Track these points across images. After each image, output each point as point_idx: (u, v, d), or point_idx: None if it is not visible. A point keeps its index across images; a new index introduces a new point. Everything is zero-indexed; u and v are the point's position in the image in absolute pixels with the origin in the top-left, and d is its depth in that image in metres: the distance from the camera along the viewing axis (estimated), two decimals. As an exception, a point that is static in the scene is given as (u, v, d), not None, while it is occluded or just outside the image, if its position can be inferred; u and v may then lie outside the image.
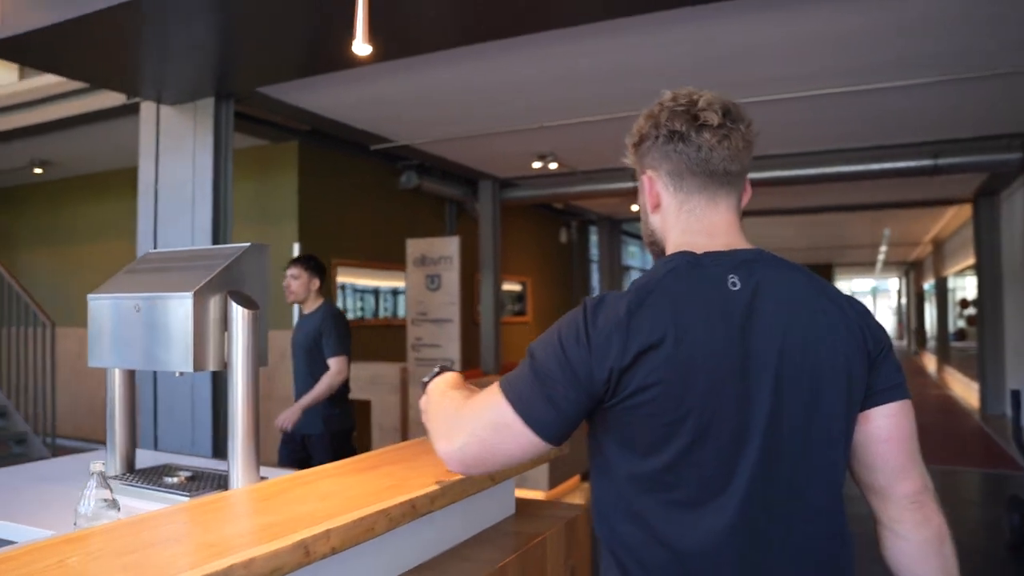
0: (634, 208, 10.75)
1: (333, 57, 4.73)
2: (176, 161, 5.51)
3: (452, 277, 6.41)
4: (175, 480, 2.17)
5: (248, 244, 2.20)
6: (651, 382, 1.11)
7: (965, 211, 12.38)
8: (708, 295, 1.15)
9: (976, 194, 10.56)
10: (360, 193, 7.66)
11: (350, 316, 7.60)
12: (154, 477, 2.23)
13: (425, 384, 1.47)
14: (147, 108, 5.70)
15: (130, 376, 2.41)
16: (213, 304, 2.06)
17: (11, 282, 6.40)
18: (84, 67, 5.17)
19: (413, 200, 8.36)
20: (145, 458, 2.57)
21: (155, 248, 5.54)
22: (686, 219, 1.26)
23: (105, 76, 5.40)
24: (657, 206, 1.29)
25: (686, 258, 1.19)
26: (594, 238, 12.88)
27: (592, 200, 10.79)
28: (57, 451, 6.23)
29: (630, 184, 8.31)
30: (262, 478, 2.06)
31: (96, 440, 8.08)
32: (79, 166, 8.31)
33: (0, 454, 6.12)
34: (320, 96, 5.81)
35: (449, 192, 8.65)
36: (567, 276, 12.27)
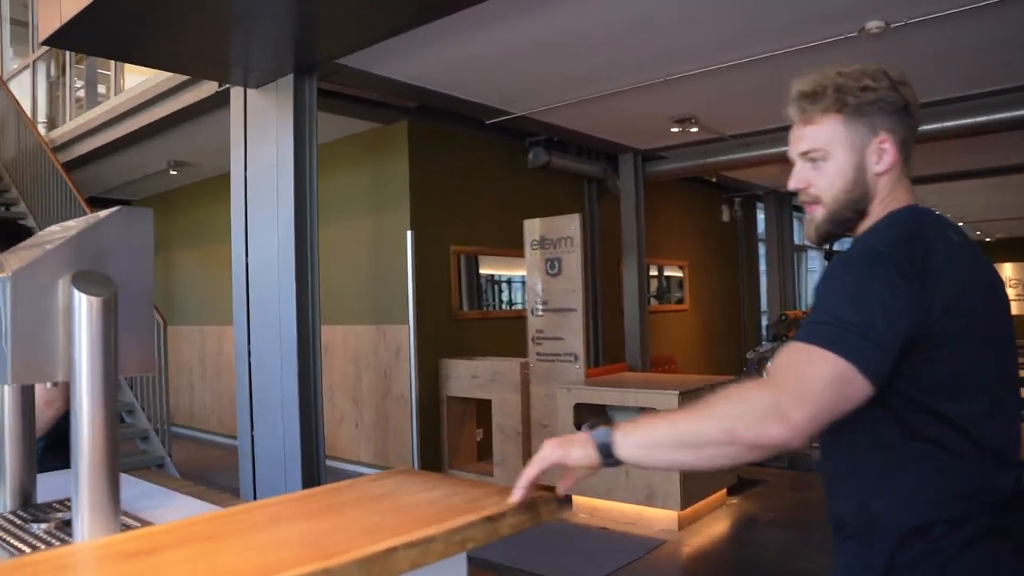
0: (803, 177, 9.49)
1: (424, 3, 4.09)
2: (260, 148, 5.08)
3: (574, 260, 5.62)
4: (40, 527, 1.60)
5: (114, 209, 1.57)
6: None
7: None
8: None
9: None
10: (483, 174, 7.03)
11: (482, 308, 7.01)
12: (26, 518, 1.67)
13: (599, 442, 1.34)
14: (235, 94, 5.32)
15: (23, 391, 1.85)
16: (60, 292, 1.45)
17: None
18: (171, 56, 4.88)
19: (546, 180, 7.64)
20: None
21: (247, 245, 5.18)
22: (906, 185, 1.42)
23: (192, 63, 5.09)
24: (887, 169, 1.38)
25: (928, 212, 1.39)
26: (761, 215, 11.62)
27: (749, 171, 9.57)
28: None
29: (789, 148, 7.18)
30: (123, 527, 1.46)
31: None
32: (211, 165, 8.23)
33: (126, 451, 5.99)
34: (417, 63, 5.19)
35: (586, 169, 7.86)
36: (731, 258, 11.11)
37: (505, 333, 6.93)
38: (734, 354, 10.33)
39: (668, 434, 1.27)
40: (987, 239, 22.12)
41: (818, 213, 1.42)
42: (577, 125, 7.00)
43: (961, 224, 16.22)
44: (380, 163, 6.60)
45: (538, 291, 5.82)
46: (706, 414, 1.22)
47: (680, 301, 9.75)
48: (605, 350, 8.17)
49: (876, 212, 1.39)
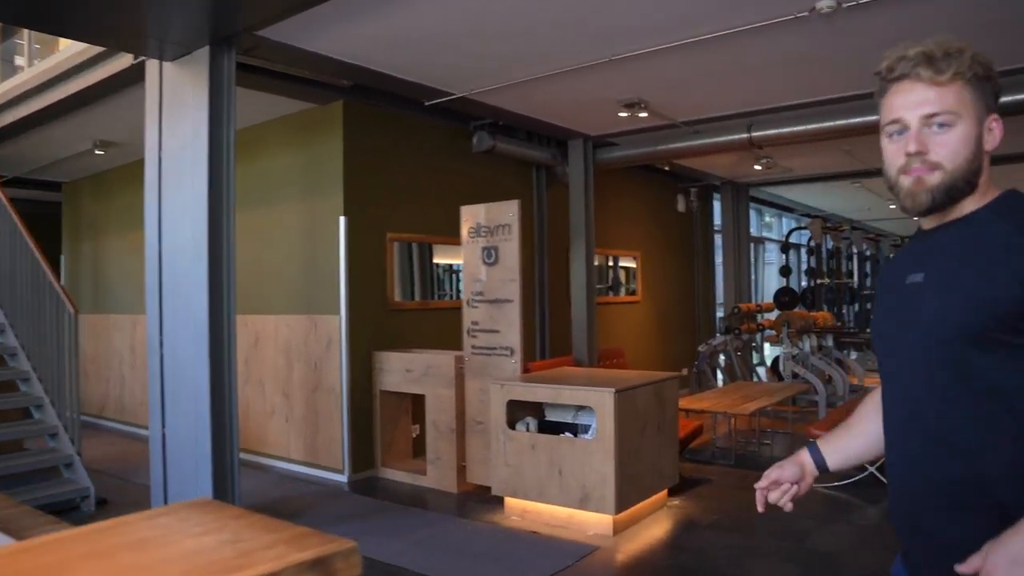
0: (758, 167, 9.32)
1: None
2: (176, 125, 4.74)
3: (511, 249, 5.34)
4: None
5: None
6: None
7: None
8: None
9: None
10: (424, 158, 6.71)
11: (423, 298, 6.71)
12: None
13: None
14: (151, 68, 4.97)
15: None
16: None
17: (44, 267, 5.87)
18: (83, 24, 4.51)
19: (492, 166, 7.35)
20: None
21: (160, 230, 4.84)
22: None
23: (105, 33, 4.72)
24: (993, 148, 1.39)
25: None
26: (718, 205, 11.44)
27: (704, 160, 9.39)
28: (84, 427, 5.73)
29: (744, 135, 6.98)
30: None
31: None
32: (141, 146, 7.79)
33: (37, 449, 5.60)
34: (348, 39, 4.86)
35: (533, 155, 7.57)
36: (686, 249, 10.91)
37: (446, 324, 6.64)
38: (688, 347, 10.15)
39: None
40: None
41: (934, 178, 1.37)
42: (523, 108, 6.72)
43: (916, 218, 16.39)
44: (313, 145, 6.26)
45: (474, 281, 5.53)
46: None
47: (633, 293, 9.52)
48: (553, 343, 7.93)
49: (983, 189, 1.40)
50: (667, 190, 10.36)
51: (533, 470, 4.70)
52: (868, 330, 13.18)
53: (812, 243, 11.26)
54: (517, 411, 4.96)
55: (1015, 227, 1.31)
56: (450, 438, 5.51)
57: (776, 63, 5.60)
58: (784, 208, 14.57)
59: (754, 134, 6.91)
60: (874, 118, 5.14)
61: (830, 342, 10.11)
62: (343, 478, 5.88)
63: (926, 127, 1.36)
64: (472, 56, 5.30)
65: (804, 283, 11.50)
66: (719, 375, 9.67)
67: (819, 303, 11.05)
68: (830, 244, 11.98)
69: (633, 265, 9.54)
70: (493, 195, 6.19)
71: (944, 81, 1.34)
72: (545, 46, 5.11)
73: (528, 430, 4.87)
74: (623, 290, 9.51)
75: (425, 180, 6.68)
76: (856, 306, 13.18)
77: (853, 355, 12.46)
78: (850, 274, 13.22)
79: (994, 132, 1.39)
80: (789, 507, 1.70)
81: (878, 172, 7.21)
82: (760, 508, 1.73)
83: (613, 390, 4.35)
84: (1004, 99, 5.42)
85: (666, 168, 9.42)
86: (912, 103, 1.38)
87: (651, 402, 4.77)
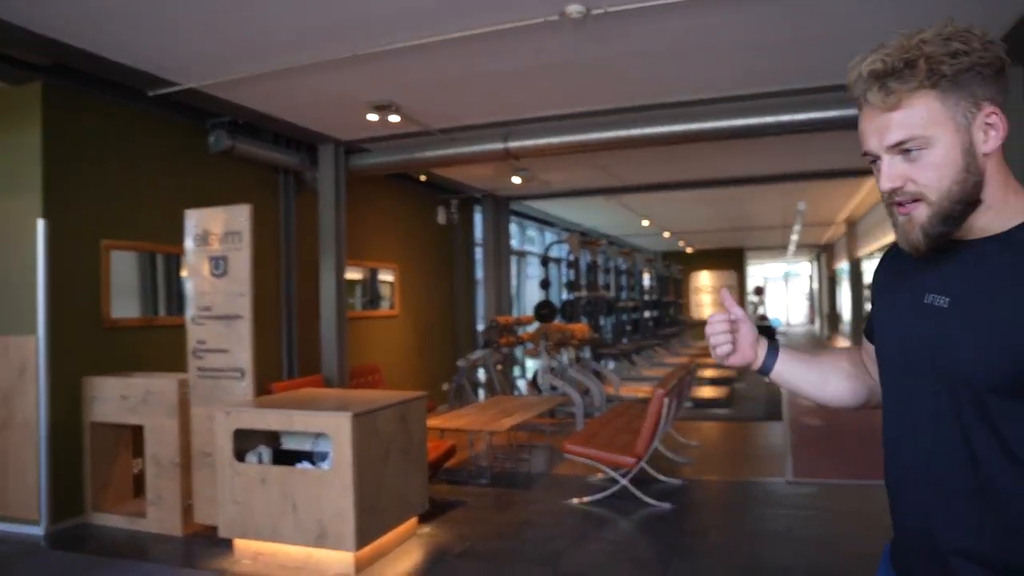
0: (516, 180, 9.28)
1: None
2: None
3: (242, 259, 4.77)
4: None
5: None
6: None
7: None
8: None
9: (897, 162, 9.45)
10: (150, 157, 5.92)
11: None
12: None
13: None
14: None
15: None
16: None
17: None
18: None
19: (233, 169, 6.67)
20: None
21: None
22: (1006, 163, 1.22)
23: None
24: (999, 145, 1.18)
25: None
26: (480, 218, 11.36)
27: (464, 172, 9.23)
28: None
29: (500, 145, 6.83)
30: None
31: None
32: None
33: None
34: (42, 4, 4.10)
35: (279, 159, 6.98)
36: (447, 262, 10.71)
37: (178, 344, 5.88)
38: (449, 362, 9.91)
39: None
40: (688, 249, 23.91)
41: (920, 213, 1.20)
42: (267, 107, 6.16)
43: (667, 235, 17.23)
44: (2, 133, 5.30)
45: (200, 295, 4.90)
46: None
47: (390, 306, 9.14)
48: (303, 361, 7.35)
49: (1000, 198, 1.19)
50: (427, 202, 10.10)
51: (264, 506, 4.16)
52: (624, 341, 13.75)
53: (571, 256, 11.46)
54: (249, 440, 4.40)
55: None
56: (173, 474, 4.82)
57: (531, 70, 5.47)
58: (546, 223, 14.86)
59: (510, 145, 6.78)
60: (626, 133, 5.11)
61: (588, 354, 10.31)
62: (39, 531, 4.96)
63: (897, 156, 1.20)
64: (200, 41, 4.69)
65: (564, 296, 11.68)
66: (480, 390, 9.51)
67: (578, 315, 11.24)
68: (589, 258, 12.28)
69: (391, 278, 9.16)
70: (234, 202, 5.52)
71: (902, 101, 1.17)
72: (280, 35, 4.62)
73: (261, 461, 4.33)
74: (385, 304, 9.11)
75: (153, 182, 5.89)
76: (613, 318, 13.62)
77: (611, 365, 12.88)
78: (608, 287, 13.67)
79: (995, 127, 1.17)
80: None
81: (634, 188, 7.35)
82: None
83: (350, 414, 3.93)
84: (827, 114, 5.61)
85: (423, 178, 9.14)
86: (875, 131, 1.21)
87: (395, 425, 4.40)
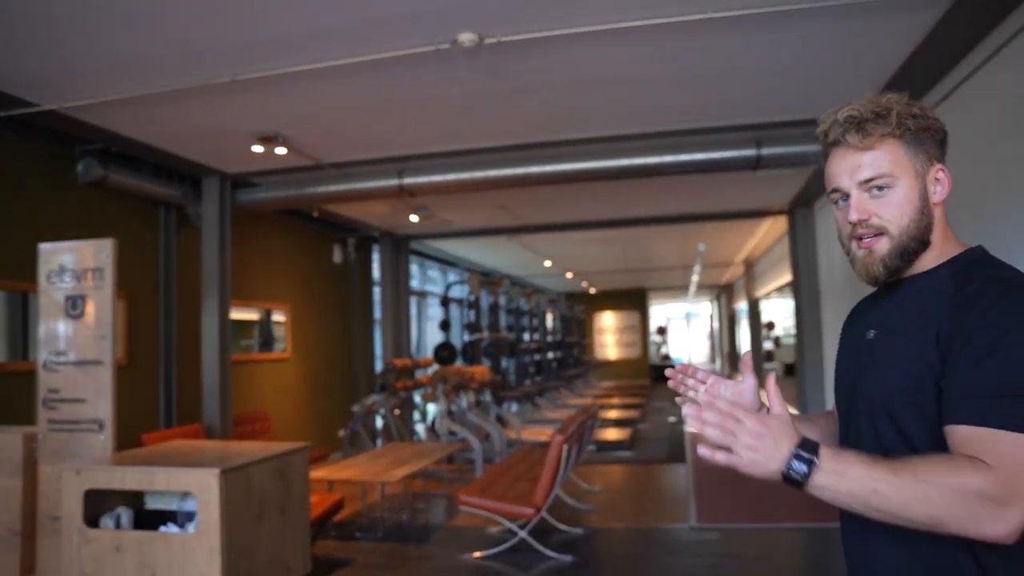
0: (414, 219, 9.02)
1: None
2: None
3: (103, 299, 4.33)
4: None
5: None
6: None
7: (777, 228, 11.65)
8: None
9: (792, 204, 9.66)
10: (9, 187, 5.39)
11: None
12: None
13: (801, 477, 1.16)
14: None
15: None
16: None
17: None
18: None
19: (106, 201, 6.15)
20: None
21: None
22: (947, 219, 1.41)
23: None
24: (944, 199, 1.38)
25: None
26: (378, 257, 11.00)
27: (361, 209, 8.92)
28: None
29: (395, 181, 6.57)
30: None
31: None
32: None
33: None
34: None
35: (159, 191, 6.51)
36: (344, 302, 10.29)
37: (26, 392, 5.29)
38: (344, 406, 9.45)
39: (868, 498, 1.15)
40: (591, 290, 24.04)
41: (882, 246, 1.37)
42: (144, 135, 5.73)
43: (569, 275, 17.20)
44: None
45: (53, 338, 4.41)
46: (915, 496, 1.13)
47: (279, 350, 8.66)
48: (184, 409, 6.81)
49: (939, 243, 1.39)
50: (322, 240, 9.71)
51: (118, 578, 3.70)
52: (527, 382, 13.54)
53: (471, 297, 11.22)
54: (108, 501, 3.94)
55: (955, 288, 1.29)
56: (14, 543, 4.27)
57: (425, 103, 5.26)
58: (448, 262, 14.61)
59: (405, 181, 6.53)
60: (523, 171, 4.95)
61: (489, 397, 10.03)
62: None
63: (865, 192, 1.37)
64: (56, 55, 4.28)
65: (464, 337, 11.40)
66: (378, 437, 9.11)
67: (479, 357, 10.98)
68: (490, 298, 12.07)
69: (283, 319, 8.70)
70: (107, 236, 5.04)
71: (874, 144, 1.34)
72: (149, 55, 4.26)
73: (118, 525, 3.87)
74: (279, 346, 8.64)
75: (10, 213, 5.36)
76: (515, 359, 13.43)
77: (514, 407, 12.63)
78: (510, 328, 13.48)
79: (941, 182, 1.38)
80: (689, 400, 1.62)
81: (534, 228, 7.17)
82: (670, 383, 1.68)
83: (217, 470, 3.54)
84: (726, 154, 5.55)
85: (314, 214, 8.75)
86: (847, 169, 1.37)
87: (272, 480, 4.02)
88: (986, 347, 1.18)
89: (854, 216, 1.36)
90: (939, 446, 1.23)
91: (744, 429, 1.17)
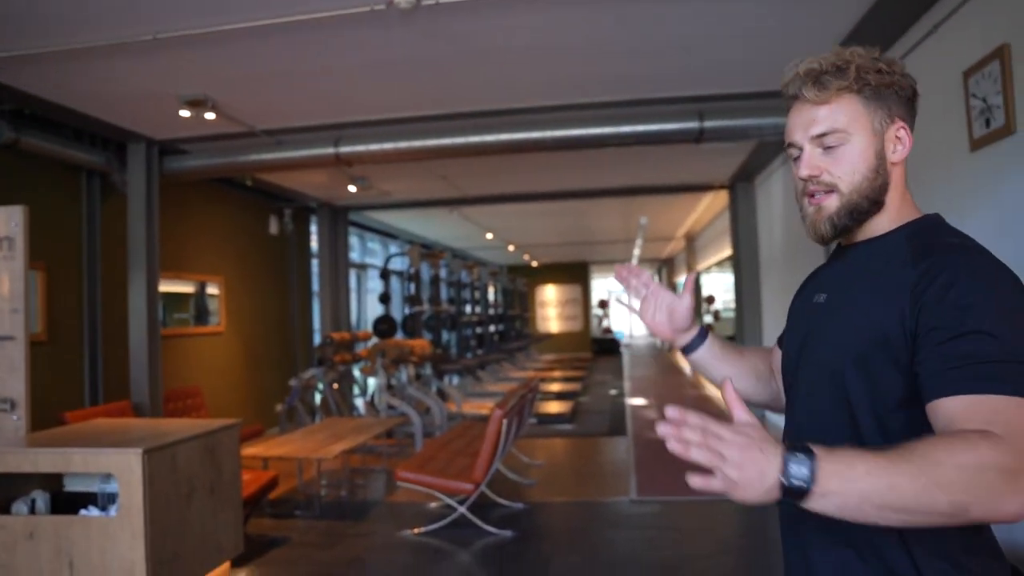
0: (352, 189, 8.80)
1: None
2: None
3: (14, 270, 4.07)
4: None
5: None
6: None
7: (718, 202, 11.72)
8: None
9: (733, 179, 9.69)
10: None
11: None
12: None
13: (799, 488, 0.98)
14: None
15: None
16: None
17: None
18: None
19: (22, 167, 5.82)
20: None
21: None
22: (906, 180, 1.35)
23: None
24: (903, 159, 1.32)
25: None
26: (316, 229, 10.73)
27: (298, 179, 8.67)
28: None
29: (331, 150, 6.37)
30: None
31: None
32: None
33: None
34: None
35: (80, 157, 6.18)
36: (282, 275, 10.03)
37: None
38: (282, 381, 9.25)
39: (884, 495, 0.98)
40: (533, 263, 24.01)
41: (831, 203, 1.31)
42: (61, 96, 5.41)
43: (511, 248, 17.09)
44: None
45: (-38, 312, 4.14)
46: (934, 482, 0.97)
47: (214, 323, 8.40)
48: (112, 386, 6.54)
49: (896, 205, 1.33)
50: (258, 210, 9.43)
51: (33, 568, 3.50)
52: (468, 355, 13.45)
53: (411, 269, 11.05)
54: (22, 485, 3.72)
55: (912, 257, 1.23)
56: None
57: (362, 68, 5.07)
58: (389, 235, 14.38)
59: (341, 150, 6.33)
60: (463, 140, 4.83)
61: (429, 370, 9.92)
62: None
63: (818, 147, 1.31)
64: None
65: (405, 310, 11.25)
66: (317, 412, 8.93)
67: (419, 331, 10.85)
68: (431, 271, 11.91)
69: (217, 292, 8.43)
70: (22, 204, 4.77)
71: (830, 98, 1.29)
72: (67, 6, 3.99)
73: (33, 510, 3.66)
74: (213, 320, 8.36)
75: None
76: (457, 332, 13.32)
77: (455, 381, 12.54)
78: (451, 301, 13.35)
79: (902, 141, 1.31)
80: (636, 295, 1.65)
81: (476, 200, 7.02)
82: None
83: (140, 450, 3.36)
84: (668, 126, 5.43)
85: (248, 183, 8.47)
86: (802, 124, 1.33)
87: (201, 459, 3.85)
88: (968, 318, 1.11)
89: (804, 172, 1.32)
90: (880, 423, 1.21)
91: (727, 444, 1.00)
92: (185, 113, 5.55)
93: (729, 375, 1.48)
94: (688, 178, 9.77)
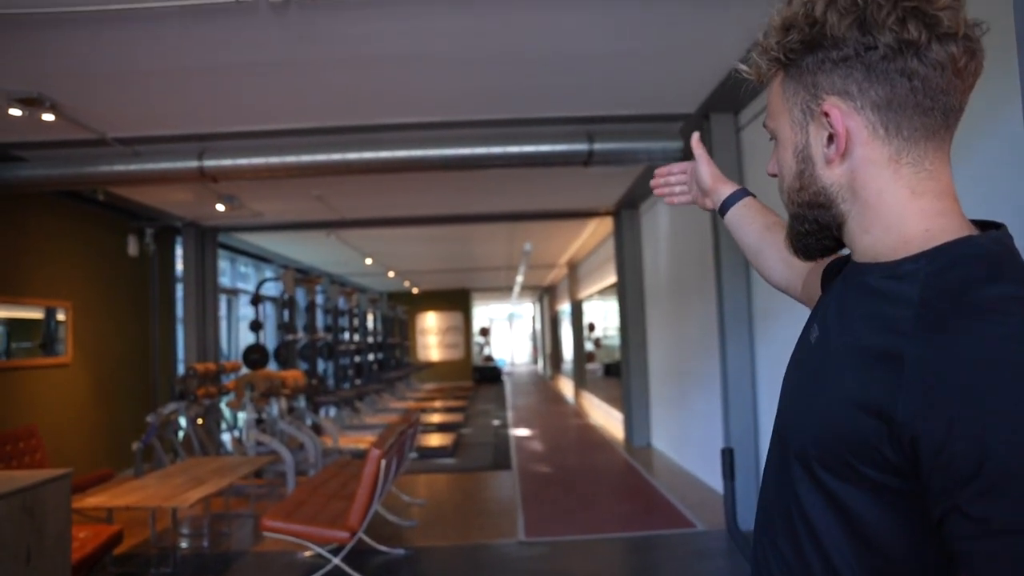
0: (221, 208, 8.17)
1: None
2: None
3: None
4: None
5: None
6: None
7: (601, 230, 11.66)
8: None
9: (618, 205, 9.61)
10: None
11: None
12: None
13: None
14: None
15: None
16: None
17: None
18: None
19: None
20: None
21: None
22: (912, 177, 0.85)
23: None
24: (844, 154, 0.87)
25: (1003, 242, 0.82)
26: (182, 250, 9.94)
27: (158, 194, 7.96)
28: None
29: (194, 164, 5.81)
30: None
31: None
32: None
33: None
34: None
35: None
36: (142, 300, 9.20)
37: None
38: (141, 416, 8.42)
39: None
40: (414, 290, 23.54)
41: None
42: None
43: (392, 274, 16.59)
44: None
45: None
46: None
47: (61, 353, 7.55)
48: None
49: (879, 219, 0.87)
50: (115, 228, 8.62)
51: None
52: (345, 386, 12.84)
53: (285, 296, 10.41)
54: None
55: (920, 325, 0.77)
56: None
57: (229, 72, 4.59)
58: (263, 259, 13.64)
59: (206, 163, 5.77)
60: (340, 157, 4.19)
61: (303, 403, 9.30)
62: None
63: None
64: None
65: (279, 339, 10.58)
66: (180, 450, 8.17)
67: (293, 360, 10.21)
68: (307, 297, 11.30)
69: (64, 319, 7.60)
70: None
71: (768, 77, 0.94)
72: None
73: None
74: (61, 349, 7.52)
75: None
76: (333, 362, 12.71)
77: (332, 413, 11.89)
78: (328, 329, 12.73)
79: (832, 128, 0.86)
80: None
81: (353, 223, 6.51)
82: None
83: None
84: (552, 148, 5.09)
85: (100, 197, 7.70)
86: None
87: (14, 522, 3.24)
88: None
89: (769, 168, 1.02)
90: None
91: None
92: (16, 112, 4.86)
93: (752, 246, 1.37)
94: (573, 204, 9.62)
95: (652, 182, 1.57)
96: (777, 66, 0.92)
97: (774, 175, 0.99)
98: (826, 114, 0.86)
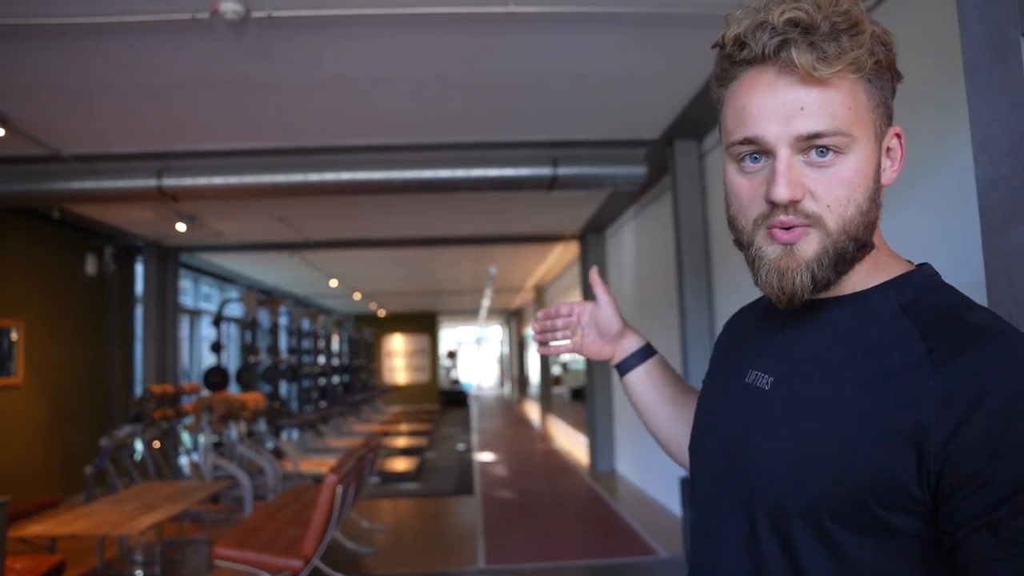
0: (181, 227, 8.05)
1: None
2: None
3: None
4: None
5: None
6: None
7: (568, 254, 11.67)
8: None
9: (584, 230, 9.62)
10: None
11: None
12: None
13: None
14: None
15: None
16: None
17: None
18: None
19: None
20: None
21: None
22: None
23: None
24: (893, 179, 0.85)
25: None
26: (143, 270, 9.78)
27: (116, 212, 7.83)
28: None
29: (153, 182, 5.70)
30: None
31: None
32: None
33: None
34: None
35: None
36: (99, 320, 9.01)
37: None
38: (95, 441, 8.21)
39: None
40: (381, 312, 23.38)
41: (811, 245, 0.81)
42: None
43: (358, 296, 16.46)
44: None
45: None
46: None
47: (12, 374, 7.36)
48: None
49: (880, 248, 0.86)
50: (73, 247, 8.46)
51: None
52: (309, 408, 12.67)
53: (248, 317, 10.27)
54: None
55: (923, 339, 0.76)
56: None
57: (189, 88, 4.51)
58: (227, 279, 13.46)
59: (165, 182, 5.66)
60: (302, 178, 4.15)
61: (264, 427, 9.14)
62: None
63: (801, 155, 0.80)
64: None
65: (242, 360, 10.41)
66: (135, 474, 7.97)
67: (255, 383, 10.05)
68: (270, 319, 11.16)
69: (16, 338, 7.41)
70: None
71: (829, 77, 0.77)
72: None
73: None
74: (11, 368, 7.32)
75: None
76: (297, 385, 12.53)
77: (295, 436, 11.70)
78: (292, 351, 12.57)
79: (895, 155, 0.84)
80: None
81: (317, 245, 6.40)
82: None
83: None
84: (523, 171, 5.08)
85: (55, 215, 7.54)
86: (780, 110, 0.79)
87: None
88: None
89: (784, 192, 0.79)
90: None
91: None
92: (-31, 130, 4.78)
93: (661, 420, 1.26)
94: (539, 228, 9.61)
95: (536, 326, 1.42)
96: (869, 65, 0.80)
97: (796, 200, 0.81)
98: (898, 135, 0.85)
